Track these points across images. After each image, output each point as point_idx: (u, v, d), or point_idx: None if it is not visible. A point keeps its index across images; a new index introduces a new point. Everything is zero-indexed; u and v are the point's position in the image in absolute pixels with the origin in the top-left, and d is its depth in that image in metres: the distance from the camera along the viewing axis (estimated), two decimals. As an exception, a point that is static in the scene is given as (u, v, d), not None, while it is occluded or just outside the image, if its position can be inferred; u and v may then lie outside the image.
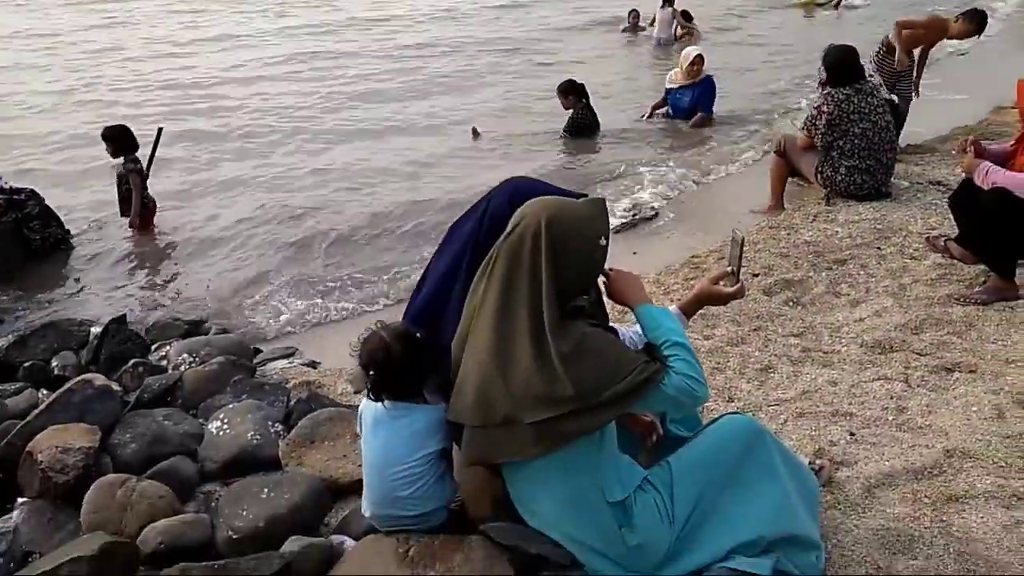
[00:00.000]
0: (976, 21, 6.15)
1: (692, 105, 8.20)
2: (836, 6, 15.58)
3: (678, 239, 5.60)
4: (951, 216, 4.52)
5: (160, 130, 6.35)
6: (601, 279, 2.26)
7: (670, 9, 12.67)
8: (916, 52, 6.56)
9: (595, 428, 2.02)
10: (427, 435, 2.24)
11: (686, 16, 12.86)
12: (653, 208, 6.18)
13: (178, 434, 3.09)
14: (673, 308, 2.50)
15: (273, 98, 10.41)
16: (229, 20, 16.90)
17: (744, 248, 2.38)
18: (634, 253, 5.31)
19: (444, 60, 12.32)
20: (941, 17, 6.50)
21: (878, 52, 6.43)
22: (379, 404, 2.26)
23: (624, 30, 13.77)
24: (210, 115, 9.73)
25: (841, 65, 5.36)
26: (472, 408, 2.05)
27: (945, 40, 6.77)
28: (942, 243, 4.54)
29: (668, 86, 8.38)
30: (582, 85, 8.01)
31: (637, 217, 6.00)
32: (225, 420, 3.08)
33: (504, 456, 2.07)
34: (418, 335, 2.22)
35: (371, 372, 2.21)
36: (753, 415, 3.14)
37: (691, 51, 8.18)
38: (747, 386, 3.44)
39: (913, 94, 6.62)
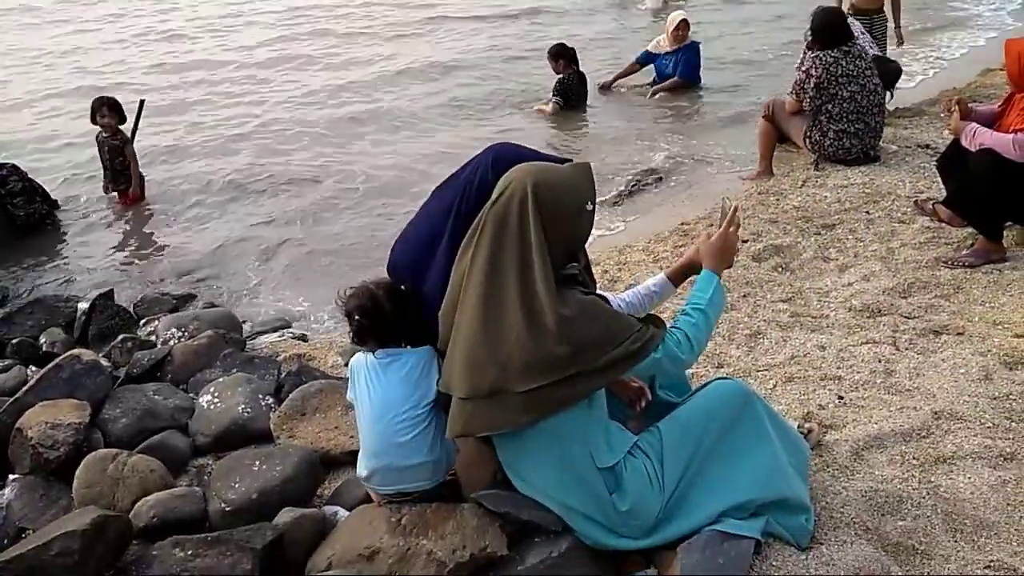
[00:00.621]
0: None
1: (674, 71, 8.02)
2: None
3: (667, 208, 5.59)
4: (939, 179, 4.53)
5: (142, 102, 6.26)
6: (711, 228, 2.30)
7: None
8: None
9: (586, 395, 2.03)
10: (420, 377, 2.27)
11: None
12: (643, 176, 6.15)
13: (169, 408, 3.09)
14: (661, 276, 2.50)
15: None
16: None
17: (736, 215, 2.37)
18: (624, 221, 5.30)
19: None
20: None
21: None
22: (368, 356, 2.31)
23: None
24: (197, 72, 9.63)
25: (828, 27, 5.32)
26: (461, 378, 2.04)
27: None
28: (930, 206, 4.54)
29: (652, 51, 8.16)
30: (572, 50, 7.84)
31: (627, 188, 5.97)
32: (215, 394, 3.08)
33: (495, 428, 2.06)
34: (403, 287, 2.28)
35: (356, 318, 2.26)
36: (742, 380, 3.16)
37: (676, 16, 8.00)
38: (736, 352, 3.46)
39: (895, 43, 6.62)
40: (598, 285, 4.28)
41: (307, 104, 8.48)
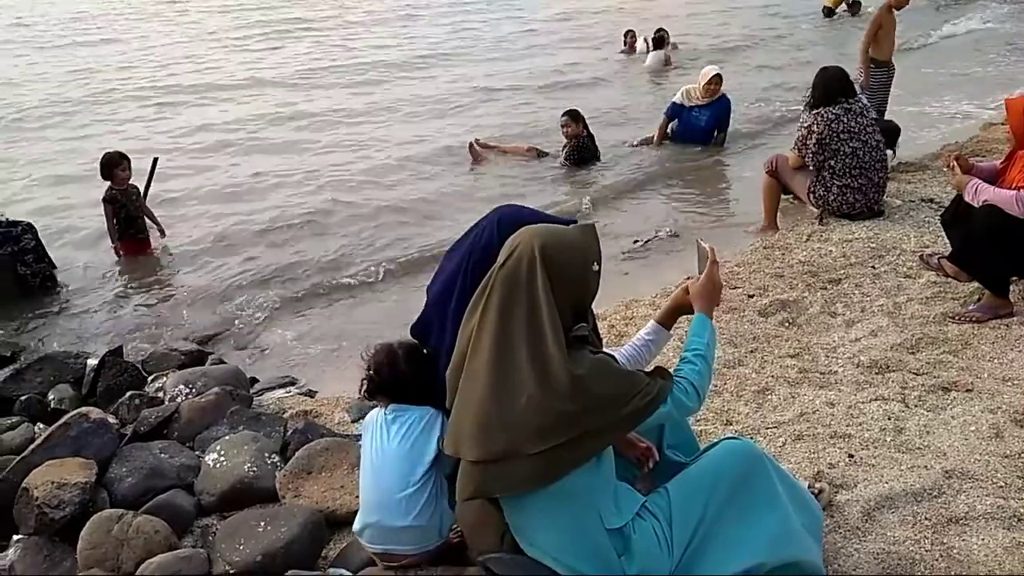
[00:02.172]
0: None
1: (710, 125, 8.10)
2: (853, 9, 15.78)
3: (674, 262, 5.61)
4: (944, 234, 4.54)
5: (155, 160, 6.39)
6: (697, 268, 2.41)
7: (663, 53, 12.43)
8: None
9: (597, 452, 2.03)
10: (420, 434, 2.32)
11: (661, 42, 12.67)
12: (651, 231, 6.19)
13: (175, 467, 3.09)
14: (652, 323, 2.52)
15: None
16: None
17: (715, 254, 2.40)
18: (625, 274, 5.32)
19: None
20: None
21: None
22: (380, 411, 2.38)
23: (621, 52, 13.84)
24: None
25: (830, 84, 5.42)
26: (471, 442, 2.04)
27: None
28: (936, 261, 4.56)
29: (681, 102, 8.12)
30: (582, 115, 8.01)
31: (635, 242, 6.00)
32: (222, 452, 3.07)
33: (507, 491, 2.06)
34: (424, 351, 2.37)
35: (373, 374, 2.36)
36: (751, 438, 3.13)
37: (710, 70, 8.01)
38: (745, 408, 3.44)
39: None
40: (605, 341, 4.32)
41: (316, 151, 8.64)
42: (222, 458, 3.04)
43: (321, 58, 14.56)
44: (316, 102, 11.29)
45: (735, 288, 4.75)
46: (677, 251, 5.84)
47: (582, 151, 7.85)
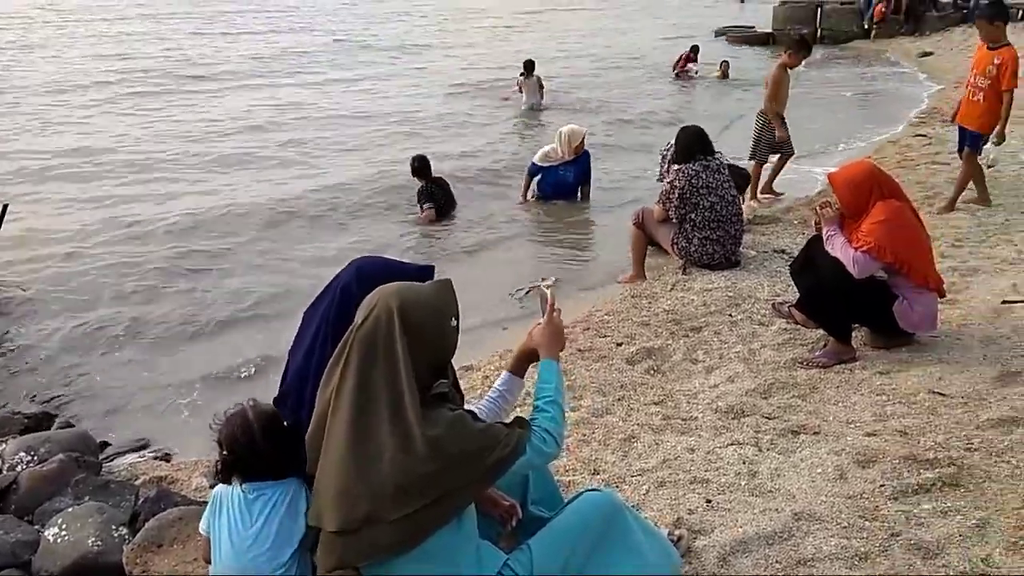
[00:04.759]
0: (804, 47, 7.60)
1: (578, 180, 8.42)
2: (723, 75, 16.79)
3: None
4: (793, 283, 4.84)
5: (5, 206, 6.01)
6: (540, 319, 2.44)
7: (535, 77, 13.27)
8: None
9: (460, 510, 2.02)
10: (285, 515, 2.14)
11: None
12: (525, 281, 6.28)
13: (9, 543, 2.85)
14: (504, 374, 2.56)
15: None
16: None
17: (554, 298, 2.47)
18: (504, 328, 5.37)
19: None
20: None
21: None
22: (235, 487, 2.16)
23: (507, 99, 14.17)
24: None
25: (690, 142, 5.75)
26: (332, 511, 1.99)
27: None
28: (786, 309, 4.84)
29: (545, 164, 8.37)
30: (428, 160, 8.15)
31: (515, 295, 6.07)
32: (63, 525, 2.86)
33: (366, 559, 2.00)
34: (284, 423, 2.18)
35: (227, 453, 2.13)
36: (617, 487, 3.21)
37: (577, 130, 8.33)
38: (611, 457, 3.51)
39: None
40: (479, 392, 4.33)
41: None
42: (64, 532, 2.83)
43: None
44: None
45: (605, 336, 4.88)
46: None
47: (431, 195, 7.98)
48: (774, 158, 7.86)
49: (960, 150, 6.78)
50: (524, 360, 2.52)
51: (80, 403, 4.57)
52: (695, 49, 17.44)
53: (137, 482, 3.38)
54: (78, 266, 6.62)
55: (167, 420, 4.37)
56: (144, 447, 3.90)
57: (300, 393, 2.36)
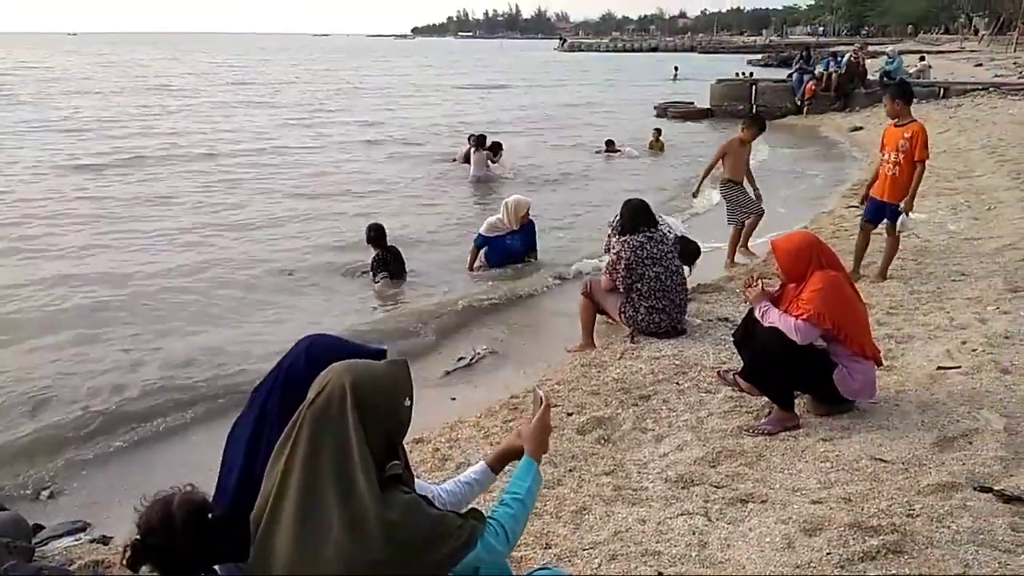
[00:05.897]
0: (757, 123, 8.36)
1: (526, 247, 8.66)
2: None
3: (497, 382, 5.73)
4: (737, 352, 4.96)
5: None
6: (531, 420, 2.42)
7: (484, 152, 13.61)
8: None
9: None
10: None
11: (495, 149, 13.86)
12: (472, 351, 6.31)
13: (-69, 639, 2.69)
14: (481, 464, 2.55)
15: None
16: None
17: (547, 402, 2.49)
18: (452, 399, 5.36)
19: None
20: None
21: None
22: None
23: (455, 160, 14.48)
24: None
25: (634, 214, 5.92)
26: None
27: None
28: (731, 376, 4.94)
29: (492, 235, 8.50)
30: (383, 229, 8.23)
31: (456, 363, 6.08)
32: (-8, 617, 2.72)
33: None
34: (210, 515, 2.02)
35: (139, 539, 1.94)
36: (569, 561, 3.19)
37: (523, 201, 8.53)
38: (563, 530, 3.50)
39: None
40: (429, 464, 4.28)
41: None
42: (-9, 624, 2.69)
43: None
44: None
45: (555, 406, 4.89)
46: (497, 371, 5.97)
47: (384, 264, 8.06)
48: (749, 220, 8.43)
49: (870, 220, 7.23)
50: (507, 458, 2.51)
51: (13, 483, 4.38)
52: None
53: (73, 567, 3.23)
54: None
55: (107, 502, 4.21)
56: (81, 529, 3.74)
57: (245, 473, 2.28)
